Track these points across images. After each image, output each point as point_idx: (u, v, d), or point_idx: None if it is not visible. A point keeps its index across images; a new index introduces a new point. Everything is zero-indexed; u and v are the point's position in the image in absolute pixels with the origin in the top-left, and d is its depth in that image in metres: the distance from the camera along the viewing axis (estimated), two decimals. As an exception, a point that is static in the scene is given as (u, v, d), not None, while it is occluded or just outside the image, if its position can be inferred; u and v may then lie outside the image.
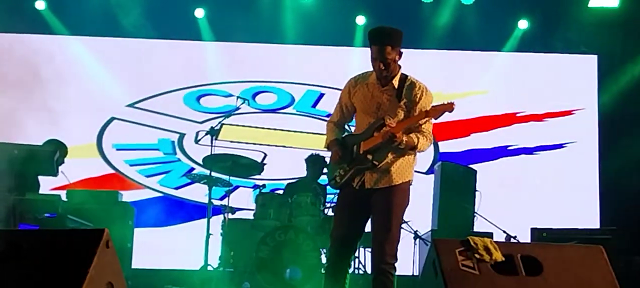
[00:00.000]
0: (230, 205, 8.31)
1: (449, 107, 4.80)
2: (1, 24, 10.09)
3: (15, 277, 3.94)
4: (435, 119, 4.95)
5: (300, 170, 8.95)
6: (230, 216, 8.32)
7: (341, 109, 5.25)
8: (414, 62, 10.43)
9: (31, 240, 4.15)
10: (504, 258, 4.48)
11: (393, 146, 4.89)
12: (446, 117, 10.64)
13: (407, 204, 5.13)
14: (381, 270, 4.92)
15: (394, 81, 5.04)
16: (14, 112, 9.87)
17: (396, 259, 4.96)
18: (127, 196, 8.88)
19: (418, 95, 4.99)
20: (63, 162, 7.43)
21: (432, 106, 4.90)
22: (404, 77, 5.09)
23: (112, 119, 10.33)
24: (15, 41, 10.21)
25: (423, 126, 4.99)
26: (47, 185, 7.63)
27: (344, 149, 5.09)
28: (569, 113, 10.66)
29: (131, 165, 10.26)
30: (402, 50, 5.10)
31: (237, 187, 9.38)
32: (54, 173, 6.37)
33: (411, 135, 4.94)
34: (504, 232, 7.85)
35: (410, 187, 5.13)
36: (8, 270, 3.96)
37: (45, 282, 3.85)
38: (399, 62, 5.11)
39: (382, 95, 5.04)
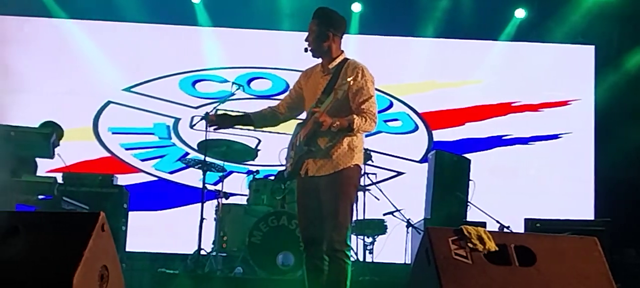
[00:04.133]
0: (224, 190, 8.32)
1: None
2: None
3: (10, 259, 3.95)
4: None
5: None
6: (224, 201, 8.34)
7: (289, 95, 5.37)
8: (409, 50, 10.61)
9: (27, 222, 4.17)
10: (497, 248, 4.48)
11: (325, 130, 4.88)
12: (441, 106, 10.72)
13: (356, 188, 5.13)
14: (332, 257, 4.93)
15: (330, 66, 5.08)
16: (9, 94, 9.88)
17: (346, 245, 4.94)
18: (122, 179, 8.89)
19: (349, 76, 4.92)
20: (58, 144, 7.42)
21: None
22: (344, 61, 5.10)
23: (109, 102, 10.33)
24: (13, 23, 10.21)
25: (363, 105, 4.94)
26: (43, 167, 7.63)
27: (293, 138, 5.18)
28: (564, 103, 10.68)
29: (126, 149, 10.26)
30: (332, 33, 5.08)
31: (231, 172, 9.39)
32: (50, 156, 6.36)
33: (348, 117, 4.89)
34: (498, 221, 7.85)
35: (359, 171, 5.14)
36: (4, 252, 3.98)
37: (41, 264, 3.86)
38: (344, 47, 5.18)
39: (322, 81, 5.09)
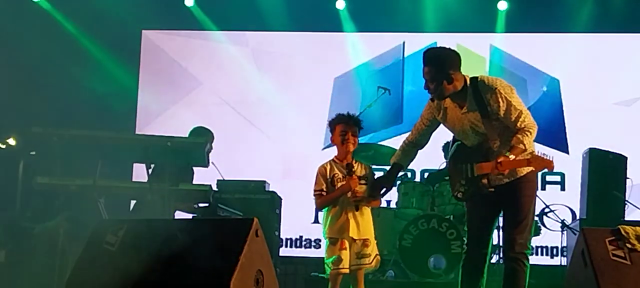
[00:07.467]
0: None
1: (549, 165, 4.65)
2: (152, 20, 10.56)
3: (171, 263, 4.14)
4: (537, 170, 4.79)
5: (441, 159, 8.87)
6: (373, 205, 8.36)
7: (422, 124, 5.24)
8: (559, 46, 10.31)
9: (186, 229, 4.36)
10: (658, 249, 4.34)
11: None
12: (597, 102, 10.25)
13: (536, 191, 5.02)
14: (510, 257, 4.89)
15: (463, 95, 4.88)
16: (165, 105, 10.38)
17: (527, 248, 4.89)
18: (274, 185, 9.07)
19: (493, 99, 4.79)
20: (211, 149, 7.57)
21: (534, 155, 4.69)
22: (474, 81, 4.88)
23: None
24: (166, 38, 10.70)
25: (518, 123, 4.78)
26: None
27: (457, 163, 5.05)
28: None
29: (277, 155, 10.48)
30: (451, 72, 4.82)
31: (379, 176, 9.41)
32: (206, 165, 6.57)
33: (519, 145, 4.72)
34: (658, 220, 7.56)
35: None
36: (164, 256, 4.18)
37: (200, 269, 4.03)
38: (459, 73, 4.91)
39: (466, 116, 4.92)
